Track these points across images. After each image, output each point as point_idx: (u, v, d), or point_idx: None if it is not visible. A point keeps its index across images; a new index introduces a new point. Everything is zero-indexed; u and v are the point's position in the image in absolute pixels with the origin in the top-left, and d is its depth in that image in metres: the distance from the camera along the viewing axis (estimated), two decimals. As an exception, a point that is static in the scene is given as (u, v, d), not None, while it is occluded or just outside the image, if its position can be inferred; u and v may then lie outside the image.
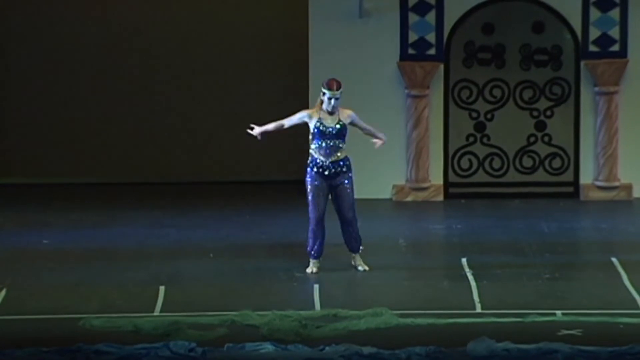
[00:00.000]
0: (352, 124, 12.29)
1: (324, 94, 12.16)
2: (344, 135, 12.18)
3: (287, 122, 12.40)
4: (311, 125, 12.17)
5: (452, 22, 15.26)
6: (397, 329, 10.65)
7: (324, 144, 12.16)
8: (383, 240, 13.87)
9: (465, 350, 10.02)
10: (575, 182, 15.45)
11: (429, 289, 11.95)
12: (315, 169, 12.21)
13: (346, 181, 12.31)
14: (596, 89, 15.25)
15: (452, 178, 15.54)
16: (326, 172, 12.21)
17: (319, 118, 12.15)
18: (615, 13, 15.10)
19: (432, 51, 15.30)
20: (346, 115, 12.22)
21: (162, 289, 11.78)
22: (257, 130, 12.42)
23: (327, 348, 10.16)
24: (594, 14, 15.14)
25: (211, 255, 13.14)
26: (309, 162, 12.25)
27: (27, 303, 11.45)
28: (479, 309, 11.23)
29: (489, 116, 15.49)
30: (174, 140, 16.88)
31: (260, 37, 16.47)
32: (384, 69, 15.35)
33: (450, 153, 15.52)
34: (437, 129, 15.44)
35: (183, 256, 13.05)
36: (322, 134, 12.13)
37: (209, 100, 16.86)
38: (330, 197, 12.32)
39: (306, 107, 15.22)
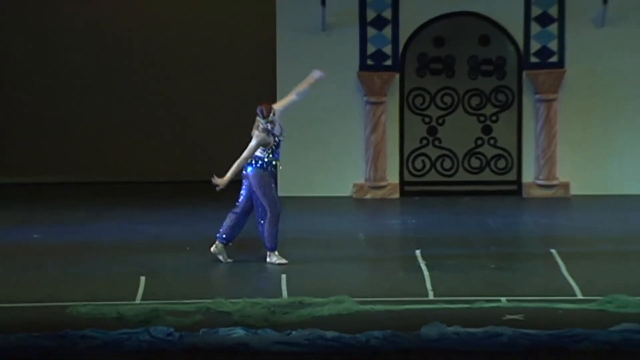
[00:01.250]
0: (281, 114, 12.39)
1: (271, 120, 12.25)
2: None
3: (248, 153, 12.30)
4: (271, 142, 12.20)
5: (407, 35, 15.29)
6: (357, 315, 10.65)
7: (279, 151, 12.28)
8: (344, 234, 13.88)
9: (419, 334, 10.02)
10: (518, 181, 15.51)
11: (386, 279, 11.97)
12: (269, 172, 12.26)
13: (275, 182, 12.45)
14: (537, 96, 15.32)
15: (407, 177, 15.58)
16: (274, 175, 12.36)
17: (272, 133, 12.18)
18: (553, 27, 15.16)
19: (388, 62, 15.31)
20: (277, 123, 12.32)
21: (142, 279, 11.76)
22: (222, 182, 12.37)
23: (293, 332, 10.14)
24: (535, 28, 15.20)
25: (188, 248, 13.12)
26: (264, 166, 12.22)
27: (19, 292, 11.42)
28: (431, 297, 11.25)
29: (440, 121, 15.53)
30: (151, 143, 16.83)
31: (234, 48, 16.44)
32: (345, 78, 15.35)
33: (405, 155, 15.55)
34: (393, 132, 15.46)
35: (162, 249, 13.05)
36: (278, 145, 12.23)
37: (183, 106, 16.82)
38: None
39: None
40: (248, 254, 12.72)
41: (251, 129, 12.41)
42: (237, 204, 12.55)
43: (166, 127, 16.85)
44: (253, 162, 12.28)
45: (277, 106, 12.49)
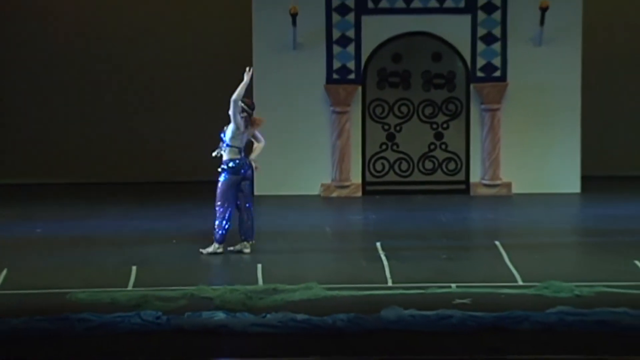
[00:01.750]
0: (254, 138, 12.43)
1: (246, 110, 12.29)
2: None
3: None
4: (240, 124, 12.19)
5: (368, 52, 15.31)
6: (324, 300, 10.66)
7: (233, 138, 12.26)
8: (313, 228, 13.89)
9: (379, 316, 10.05)
10: (466, 181, 15.56)
11: (350, 267, 11.99)
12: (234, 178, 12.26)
13: (250, 183, 12.38)
14: (482, 106, 15.37)
15: (369, 178, 15.61)
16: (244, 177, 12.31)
17: (245, 119, 12.24)
18: (497, 46, 15.22)
19: (352, 76, 15.33)
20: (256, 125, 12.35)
21: (134, 268, 11.72)
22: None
23: (268, 315, 10.14)
24: (480, 46, 15.25)
25: (174, 241, 13.10)
26: (232, 172, 12.21)
27: (23, 280, 11.39)
28: (390, 283, 11.26)
29: (397, 128, 15.56)
30: (141, 148, 16.76)
31: (216, 62, 16.39)
32: (314, 90, 15.37)
33: (367, 158, 15.58)
34: (356, 138, 15.49)
35: (151, 242, 13.01)
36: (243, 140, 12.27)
37: (169, 115, 16.75)
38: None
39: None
40: (227, 245, 12.71)
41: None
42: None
43: (153, 134, 16.79)
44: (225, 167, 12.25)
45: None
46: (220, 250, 12.36)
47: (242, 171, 12.23)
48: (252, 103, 12.46)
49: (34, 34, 16.53)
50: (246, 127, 12.21)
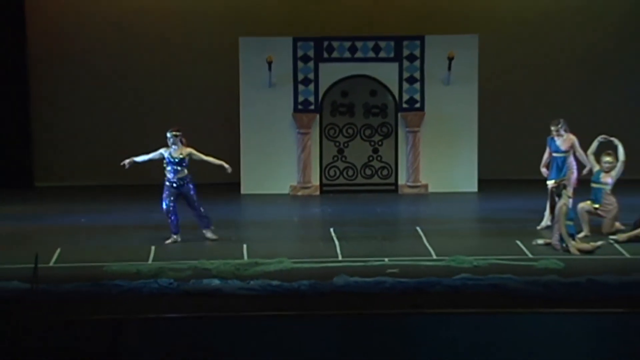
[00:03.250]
0: (189, 158, 11.90)
1: (168, 138, 11.81)
2: (184, 163, 11.86)
3: (151, 156, 11.87)
4: (166, 156, 11.85)
5: (324, 89, 15.31)
6: (292, 271, 10.67)
7: (170, 168, 11.87)
8: (283, 219, 13.82)
9: (332, 282, 10.10)
10: (395, 183, 15.54)
11: (311, 246, 11.96)
12: (167, 183, 11.92)
13: (187, 185, 11.93)
14: (407, 129, 15.37)
15: (324, 181, 15.57)
16: (174, 185, 11.92)
17: (168, 153, 11.86)
18: (417, 85, 15.26)
19: (312, 107, 15.32)
20: (186, 151, 11.90)
21: (152, 247, 11.70)
22: (126, 161, 11.93)
23: (251, 282, 10.17)
24: (405, 85, 15.28)
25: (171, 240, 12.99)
26: (166, 181, 11.91)
27: (72, 257, 11.35)
28: (340, 258, 11.26)
29: (345, 145, 15.56)
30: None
31: (214, 96, 16.15)
32: (284, 117, 15.33)
33: (323, 166, 15.54)
34: (315, 152, 15.45)
35: (165, 229, 12.81)
36: (170, 163, 11.85)
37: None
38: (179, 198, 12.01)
39: (237, 141, 15.32)
40: (222, 232, 12.64)
41: (219, 159, 12.07)
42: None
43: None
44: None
45: (194, 151, 11.89)
46: (179, 239, 11.98)
47: (179, 184, 11.86)
48: (177, 130, 11.93)
49: (78, 63, 16.02)
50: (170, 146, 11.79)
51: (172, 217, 11.99)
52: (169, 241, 11.97)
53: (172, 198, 11.95)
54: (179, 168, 11.86)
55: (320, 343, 8.99)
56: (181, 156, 11.85)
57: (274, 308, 9.43)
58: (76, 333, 8.91)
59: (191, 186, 11.99)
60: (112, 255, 11.37)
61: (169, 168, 11.87)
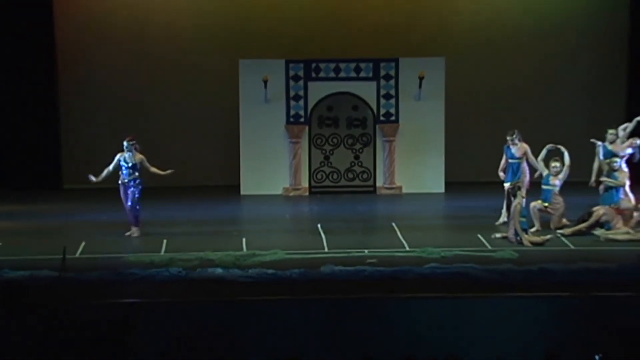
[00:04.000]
0: (140, 164, 11.78)
1: (125, 146, 11.71)
2: (136, 167, 11.72)
3: (114, 164, 11.77)
4: (121, 161, 11.78)
5: (312, 104, 15.22)
6: (285, 261, 10.66)
7: (125, 171, 11.80)
8: (276, 216, 13.71)
9: (319, 271, 10.12)
10: (374, 185, 15.45)
11: (301, 240, 11.90)
12: (120, 182, 11.84)
13: (133, 188, 11.76)
14: (384, 138, 15.32)
15: (313, 184, 15.48)
16: (125, 184, 11.81)
17: (123, 158, 11.79)
18: (392, 101, 15.23)
19: (302, 119, 15.26)
20: (138, 158, 11.76)
21: (164, 240, 11.61)
22: (93, 178, 11.80)
23: (249, 270, 10.17)
24: (382, 101, 15.21)
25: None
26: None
27: (95, 249, 11.31)
28: (326, 250, 11.22)
29: (330, 152, 15.47)
30: (164, 163, 16.26)
31: (212, 110, 15.96)
32: (279, 128, 15.24)
33: (312, 171, 15.44)
34: (305, 159, 15.36)
35: (175, 225, 12.83)
36: (124, 166, 11.78)
37: (184, 140, 16.01)
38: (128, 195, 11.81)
39: (237, 148, 15.26)
40: (225, 226, 12.58)
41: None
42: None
43: (173, 154, 15.35)
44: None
45: (144, 160, 11.74)
46: (137, 233, 11.81)
47: (129, 185, 11.78)
48: (132, 138, 11.82)
49: (102, 78, 15.71)
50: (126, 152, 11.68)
51: (131, 212, 11.83)
52: (128, 233, 11.84)
53: (124, 195, 11.81)
54: (131, 171, 11.75)
55: (309, 323, 9.02)
56: (134, 162, 11.76)
57: (269, 293, 9.46)
58: (98, 314, 8.92)
59: (140, 188, 11.83)
60: (129, 248, 11.34)
61: (123, 170, 11.77)
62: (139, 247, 11.32)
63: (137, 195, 11.85)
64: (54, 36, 15.46)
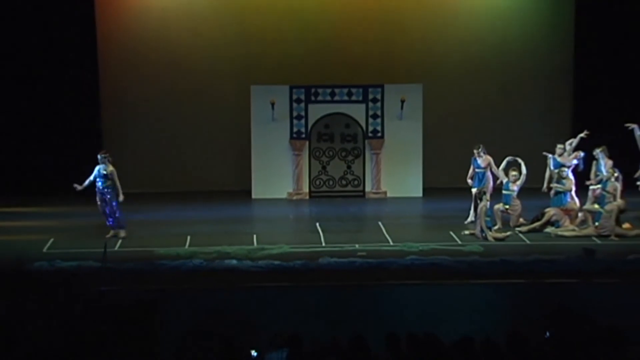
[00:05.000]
0: (111, 174, 11.46)
1: (99, 159, 11.42)
2: (108, 177, 11.44)
3: (92, 176, 11.45)
4: (96, 171, 11.48)
5: (311, 123, 15.18)
6: (289, 253, 10.72)
7: (99, 180, 11.51)
8: (282, 216, 13.68)
9: (318, 262, 10.19)
10: (363, 191, 15.39)
11: (303, 236, 11.91)
12: (97, 190, 11.53)
13: (109, 196, 11.48)
14: (372, 152, 15.28)
15: (312, 189, 15.42)
16: (101, 192, 11.53)
17: (98, 169, 11.48)
18: (379, 120, 15.17)
19: (303, 135, 15.24)
20: (110, 169, 11.49)
21: (188, 236, 11.63)
22: (78, 186, 11.44)
23: (259, 262, 10.24)
24: (370, 120, 15.15)
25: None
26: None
27: (131, 243, 11.35)
28: (323, 244, 11.26)
29: (327, 163, 15.41)
30: (188, 175, 15.79)
31: (226, 128, 15.86)
32: (283, 142, 15.19)
33: (311, 178, 15.38)
34: (305, 168, 15.32)
35: (197, 223, 12.81)
36: (98, 176, 11.49)
37: (203, 151, 15.82)
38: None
39: (249, 159, 15.21)
40: (241, 226, 12.54)
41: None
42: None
43: (197, 165, 15.74)
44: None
45: (115, 172, 11.45)
46: (122, 235, 11.48)
47: (104, 192, 11.51)
48: (105, 152, 11.63)
49: (141, 98, 15.57)
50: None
51: (115, 216, 11.55)
52: (109, 235, 11.45)
53: (99, 202, 11.52)
54: (105, 180, 11.44)
55: (309, 305, 9.09)
56: (105, 172, 11.47)
57: (275, 280, 9.53)
58: (132, 298, 8.94)
59: (110, 196, 11.49)
60: (158, 242, 11.36)
61: (98, 180, 11.48)
62: (167, 242, 11.33)
63: (114, 203, 11.45)
64: (97, 61, 15.33)
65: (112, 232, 11.57)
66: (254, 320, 8.78)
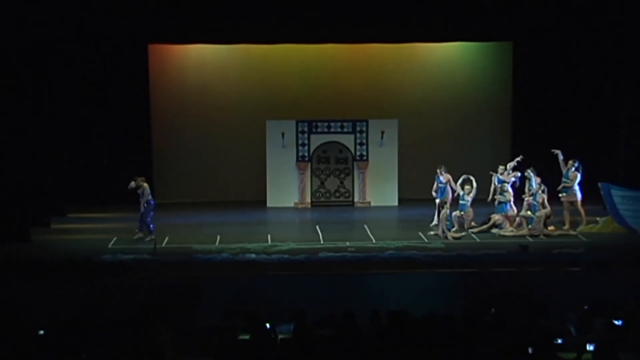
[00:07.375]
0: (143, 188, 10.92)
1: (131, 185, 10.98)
2: (139, 191, 10.99)
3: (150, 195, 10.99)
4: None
5: (313, 149, 15.13)
6: (295, 249, 10.74)
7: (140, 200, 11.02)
8: (290, 221, 13.69)
9: (318, 256, 10.23)
10: (353, 201, 15.39)
11: (305, 235, 11.92)
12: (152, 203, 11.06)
13: (144, 207, 11.01)
14: (359, 170, 15.28)
15: (314, 200, 15.40)
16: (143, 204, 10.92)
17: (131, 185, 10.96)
18: (365, 147, 15.03)
19: (307, 159, 15.26)
20: (139, 183, 11.04)
21: (218, 236, 11.68)
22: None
23: (273, 255, 10.29)
24: (358, 147, 15.06)
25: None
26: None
27: (175, 240, 11.34)
28: (322, 242, 11.31)
29: (325, 180, 15.41)
30: (215, 188, 15.75)
31: (244, 154, 15.68)
32: (291, 164, 15.20)
33: (312, 191, 15.38)
34: (308, 184, 15.30)
35: (224, 225, 12.81)
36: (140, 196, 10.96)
37: (225, 166, 15.72)
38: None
39: (264, 176, 15.15)
40: (258, 227, 12.56)
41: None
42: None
43: (218, 181, 15.68)
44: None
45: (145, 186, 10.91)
46: (148, 238, 10.96)
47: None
48: (135, 180, 11.04)
49: (184, 122, 15.61)
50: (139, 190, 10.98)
51: (142, 224, 11.07)
52: (136, 237, 11.09)
53: (152, 213, 11.11)
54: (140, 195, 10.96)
55: (311, 289, 9.17)
56: (133, 186, 10.99)
57: (285, 270, 9.61)
58: (176, 283, 9.05)
59: (145, 206, 10.99)
60: (195, 240, 11.40)
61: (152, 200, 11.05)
62: (202, 240, 11.38)
63: (148, 214, 11.01)
64: (149, 102, 15.46)
65: (149, 237, 11.09)
66: (268, 300, 8.86)
